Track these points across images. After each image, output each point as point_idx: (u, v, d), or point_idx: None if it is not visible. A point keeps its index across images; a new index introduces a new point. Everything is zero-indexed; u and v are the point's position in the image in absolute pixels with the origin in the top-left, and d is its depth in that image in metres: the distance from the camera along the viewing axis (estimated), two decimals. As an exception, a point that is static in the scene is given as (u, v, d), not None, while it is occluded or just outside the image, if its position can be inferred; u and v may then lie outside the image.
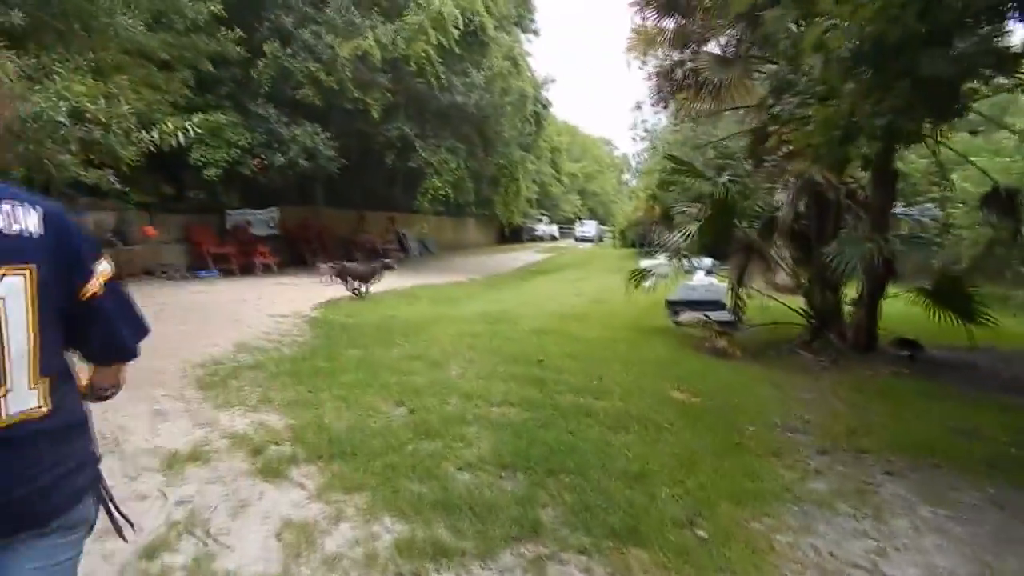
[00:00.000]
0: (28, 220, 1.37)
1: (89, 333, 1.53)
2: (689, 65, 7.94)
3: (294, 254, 17.42)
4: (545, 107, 31.02)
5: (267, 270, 15.68)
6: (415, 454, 4.08)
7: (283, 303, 10.65)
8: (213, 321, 8.87)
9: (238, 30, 11.98)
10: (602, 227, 54.84)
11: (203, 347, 7.09)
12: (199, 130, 13.81)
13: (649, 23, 8.52)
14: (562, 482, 3.72)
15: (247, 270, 15.30)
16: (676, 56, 8.83)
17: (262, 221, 16.86)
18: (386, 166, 18.45)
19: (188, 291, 12.11)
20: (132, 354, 1.64)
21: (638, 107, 31.71)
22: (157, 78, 8.57)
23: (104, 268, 1.52)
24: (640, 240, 30.37)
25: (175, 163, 14.69)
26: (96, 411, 1.74)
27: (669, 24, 8.28)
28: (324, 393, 5.39)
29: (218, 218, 16.37)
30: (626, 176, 72.31)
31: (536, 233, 48.08)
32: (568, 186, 54.80)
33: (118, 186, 6.67)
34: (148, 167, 14.56)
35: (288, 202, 18.30)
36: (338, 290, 12.30)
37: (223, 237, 15.98)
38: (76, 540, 1.52)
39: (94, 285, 1.48)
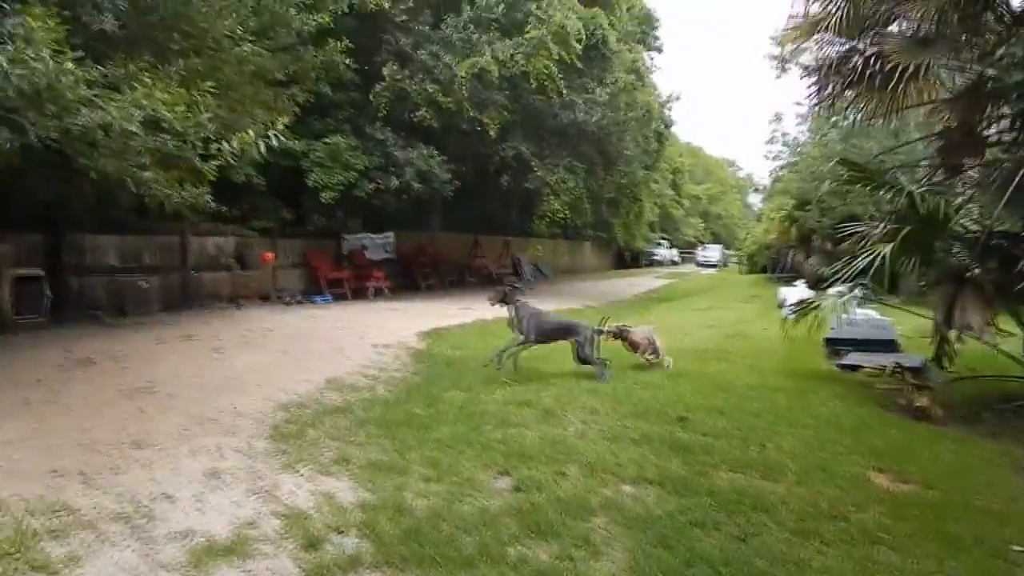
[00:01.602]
0: None
1: None
2: (870, 51, 6.34)
3: (408, 278, 17.05)
4: (667, 126, 29.41)
5: (379, 294, 15.29)
6: (520, 568, 2.86)
7: (390, 331, 9.96)
8: (313, 350, 8.23)
9: (345, 40, 11.63)
10: (726, 251, 51.69)
11: (294, 382, 6.36)
12: (318, 153, 13.86)
13: (815, 6, 7.02)
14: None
15: (359, 294, 14.99)
16: (843, 46, 7.25)
17: (378, 245, 16.63)
18: (501, 188, 17.78)
19: (299, 316, 11.73)
20: None
21: (777, 118, 29.15)
22: (265, 96, 8.07)
23: None
24: (772, 265, 27.76)
25: (294, 188, 14.74)
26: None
27: (840, 5, 6.74)
28: (413, 453, 4.34)
29: (335, 243, 16.24)
30: (753, 198, 68.63)
31: (655, 257, 45.96)
32: (690, 209, 52.23)
33: (213, 205, 6.01)
34: (267, 192, 14.70)
35: (404, 226, 18.02)
36: (449, 316, 11.58)
37: (339, 262, 15.81)
38: None
39: None
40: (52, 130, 4.46)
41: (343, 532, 3.22)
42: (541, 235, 20.40)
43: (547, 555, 3.01)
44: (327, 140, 14.04)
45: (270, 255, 13.92)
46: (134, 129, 4.55)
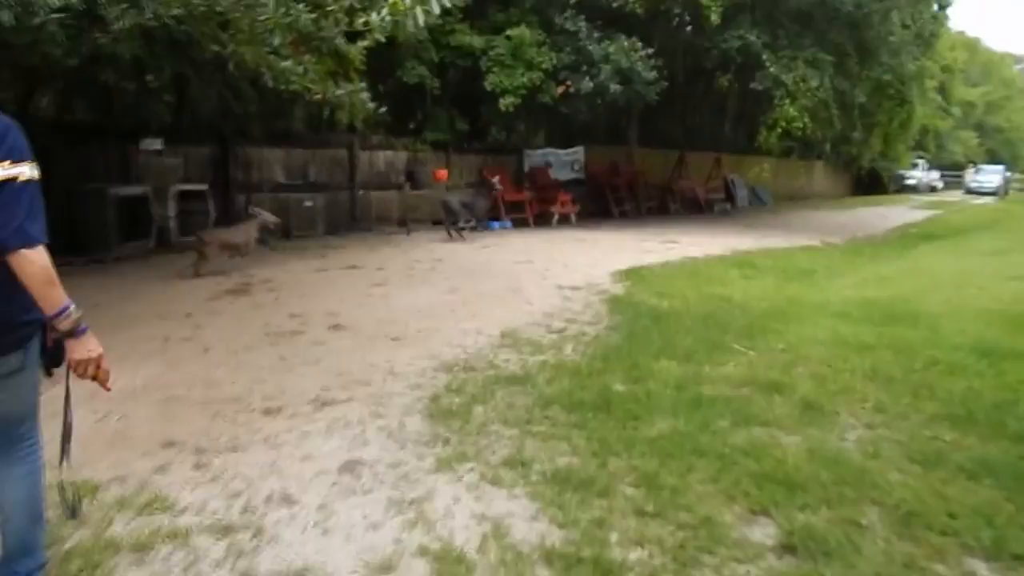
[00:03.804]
0: None
1: None
2: None
3: (598, 203, 16.33)
4: (943, 6, 24.72)
5: (564, 221, 14.80)
6: None
7: (579, 268, 9.24)
8: (487, 290, 7.65)
9: None
10: (1008, 175, 44.03)
11: (462, 332, 5.74)
12: (498, 50, 13.06)
13: None
14: None
15: (542, 220, 14.57)
16: None
17: (565, 163, 15.96)
18: (716, 92, 16.13)
19: (472, 246, 11.38)
20: (3, 247, 1.83)
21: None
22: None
23: (12, 171, 1.85)
24: None
25: (471, 94, 14.36)
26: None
27: None
28: (617, 460, 3.37)
29: (516, 160, 15.75)
30: None
31: (908, 182, 40.52)
32: (960, 120, 44.90)
33: (372, 105, 5.34)
34: (442, 99, 14.36)
35: (595, 140, 17.22)
36: (649, 251, 10.77)
37: (520, 182, 15.38)
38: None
39: None
40: (172, 5, 3.92)
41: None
42: (768, 151, 18.38)
43: None
44: (509, 34, 13.17)
45: (443, 173, 13.71)
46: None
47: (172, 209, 9.63)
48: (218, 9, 4.12)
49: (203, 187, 10.06)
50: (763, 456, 3.41)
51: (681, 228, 14.88)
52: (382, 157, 13.38)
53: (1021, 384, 4.66)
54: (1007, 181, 42.59)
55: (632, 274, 8.87)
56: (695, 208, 19.03)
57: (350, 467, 3.28)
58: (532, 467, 3.29)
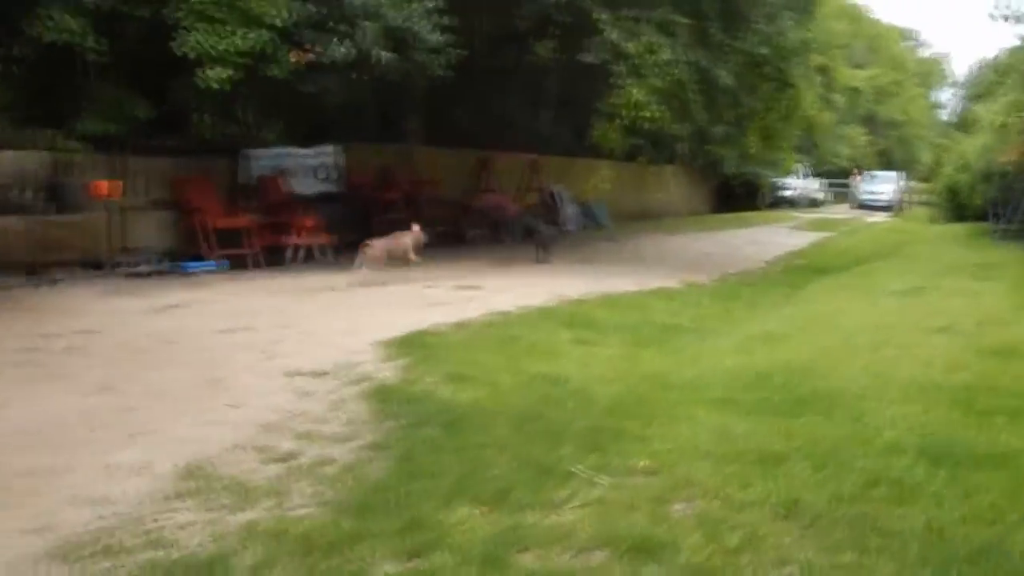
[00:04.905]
0: None
1: None
2: None
3: (361, 230, 15.88)
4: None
5: (308, 258, 14.88)
6: None
7: (326, 338, 9.18)
8: (166, 386, 7.26)
9: None
10: (905, 184, 49.74)
11: (107, 473, 5.14)
12: None
13: None
14: None
15: (273, 257, 14.56)
16: None
17: (310, 170, 16.12)
18: (532, 68, 17.19)
19: (153, 303, 10.98)
20: None
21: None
22: None
23: None
24: (999, 207, 26.52)
25: (156, 64, 14.12)
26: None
27: None
28: None
29: (229, 165, 15.70)
30: (949, 95, 66.39)
31: (785, 193, 44.83)
32: (846, 111, 49.70)
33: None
34: (108, 72, 13.52)
35: (358, 137, 17.42)
36: (437, 303, 11.27)
37: (236, 199, 15.37)
38: None
39: None
40: None
41: None
42: (608, 152, 19.18)
43: None
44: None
45: (108, 185, 13.15)
46: None
47: None
48: None
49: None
50: None
51: (485, 265, 15.13)
52: (6, 160, 12.84)
53: (999, 508, 4.63)
54: (903, 192, 48.11)
55: (412, 344, 8.78)
56: (503, 234, 19.50)
57: None
58: None
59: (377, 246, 12.70)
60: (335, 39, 13.38)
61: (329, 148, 16.19)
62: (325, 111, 15.14)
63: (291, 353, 8.32)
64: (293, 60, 13.49)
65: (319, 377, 7.37)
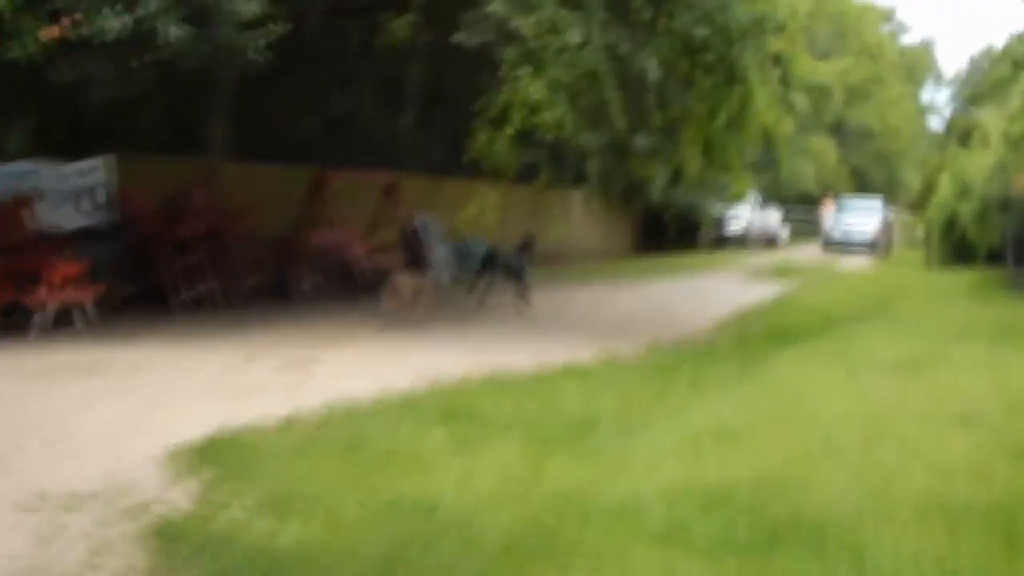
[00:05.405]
0: None
1: None
2: None
3: (144, 275, 14.65)
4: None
5: (63, 323, 12.69)
6: None
7: (88, 445, 8.14)
8: None
9: None
10: (890, 215, 44.01)
11: None
12: None
13: None
14: None
15: (13, 322, 12.50)
16: None
17: (65, 194, 14.01)
18: (385, 55, 17.07)
19: None
20: None
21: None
22: None
23: None
24: (1021, 248, 23.62)
25: None
26: None
27: None
28: None
29: None
30: (943, 96, 64.55)
31: (730, 229, 40.68)
32: (807, 115, 43.01)
33: None
34: None
35: (139, 146, 15.88)
36: (248, 390, 9.94)
37: None
38: None
39: None
40: None
41: None
42: (493, 170, 17.69)
43: None
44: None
45: None
46: None
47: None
48: None
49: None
50: None
51: (324, 331, 13.68)
52: None
53: None
54: (889, 226, 42.19)
55: (216, 452, 7.81)
56: (348, 285, 17.42)
57: None
58: None
59: (406, 283, 12.32)
60: (105, 6, 11.73)
61: (97, 163, 13.95)
62: (91, 110, 13.31)
63: (32, 469, 7.22)
64: (43, 36, 11.84)
65: (74, 507, 6.26)
